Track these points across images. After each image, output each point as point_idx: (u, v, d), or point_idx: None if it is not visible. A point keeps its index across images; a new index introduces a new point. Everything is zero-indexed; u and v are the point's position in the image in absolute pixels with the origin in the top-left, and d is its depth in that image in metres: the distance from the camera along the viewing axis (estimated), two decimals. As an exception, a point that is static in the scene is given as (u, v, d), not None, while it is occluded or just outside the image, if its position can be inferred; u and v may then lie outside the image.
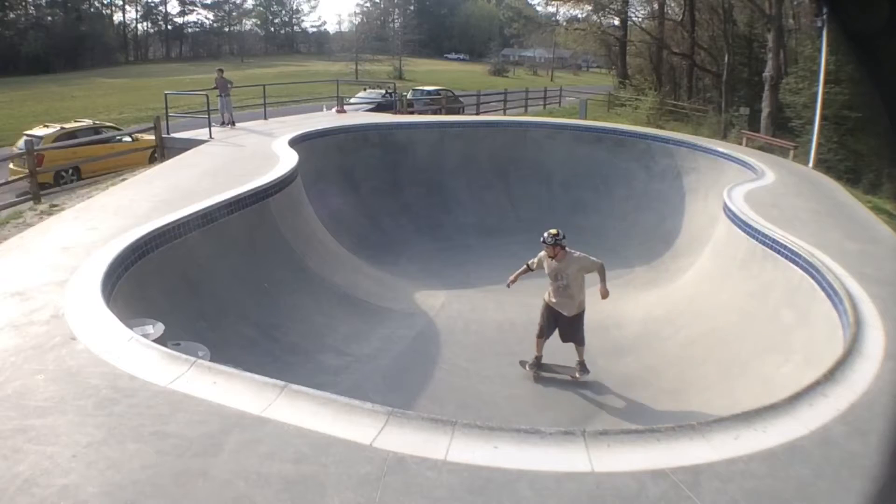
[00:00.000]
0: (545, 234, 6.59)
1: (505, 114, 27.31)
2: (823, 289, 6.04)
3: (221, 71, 15.20)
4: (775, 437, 3.55)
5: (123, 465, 3.04)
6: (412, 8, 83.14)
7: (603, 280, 6.55)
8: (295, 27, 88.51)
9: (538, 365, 7.04)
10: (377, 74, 54.79)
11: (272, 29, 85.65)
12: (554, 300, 6.75)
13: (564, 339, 6.90)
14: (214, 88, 14.73)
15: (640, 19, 37.59)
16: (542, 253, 6.75)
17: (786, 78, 23.85)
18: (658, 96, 30.25)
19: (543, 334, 6.91)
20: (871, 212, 9.83)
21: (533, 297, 9.87)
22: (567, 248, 6.62)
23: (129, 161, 13.55)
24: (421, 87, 31.82)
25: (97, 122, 16.87)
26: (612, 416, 6.31)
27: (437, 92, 28.61)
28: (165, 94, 15.46)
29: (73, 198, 9.44)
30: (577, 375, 6.92)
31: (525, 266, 7.01)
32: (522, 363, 7.16)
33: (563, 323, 6.80)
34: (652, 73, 34.98)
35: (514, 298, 9.79)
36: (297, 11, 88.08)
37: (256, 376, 3.91)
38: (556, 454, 3.33)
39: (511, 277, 7.10)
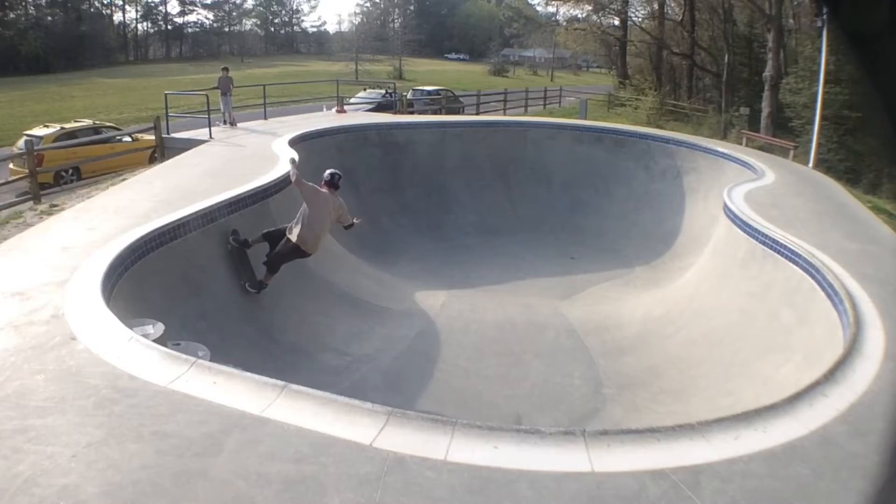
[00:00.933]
0: (333, 172, 7.66)
1: (505, 114, 27.31)
2: (823, 289, 6.04)
3: (226, 70, 15.19)
4: (775, 437, 3.55)
5: (123, 465, 3.04)
6: (412, 8, 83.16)
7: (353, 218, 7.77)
8: (295, 27, 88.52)
9: (242, 246, 7.55)
10: (377, 74, 54.80)
11: (272, 29, 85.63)
12: (318, 236, 7.49)
13: (269, 259, 7.51)
14: (215, 88, 14.70)
15: (640, 19, 37.62)
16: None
17: (786, 78, 23.85)
18: (658, 96, 30.25)
19: (268, 238, 7.60)
20: (871, 212, 9.83)
21: (533, 297, 9.90)
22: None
23: (129, 161, 13.55)
24: (421, 87, 31.82)
25: (97, 122, 16.86)
26: (612, 416, 6.31)
27: (437, 92, 28.62)
28: (165, 94, 15.45)
29: (73, 198, 9.44)
30: (247, 286, 7.41)
31: (298, 176, 7.60)
32: (235, 232, 7.57)
33: (289, 248, 7.45)
34: (652, 73, 34.97)
35: (514, 298, 9.80)
36: (297, 11, 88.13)
37: (256, 376, 3.91)
38: (556, 454, 3.32)
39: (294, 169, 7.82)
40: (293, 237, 7.31)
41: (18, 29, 51.77)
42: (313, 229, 7.32)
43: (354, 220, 7.90)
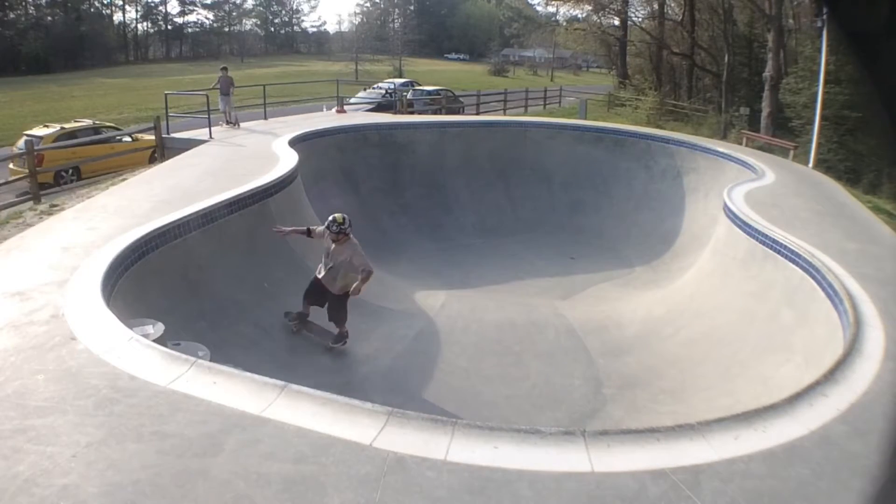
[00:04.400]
0: (330, 220, 6.85)
1: (505, 114, 27.32)
2: (823, 289, 6.04)
3: (226, 69, 15.18)
4: (775, 437, 3.55)
5: (123, 465, 3.04)
6: (412, 8, 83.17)
7: (362, 281, 6.71)
8: (295, 27, 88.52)
9: (301, 320, 7.33)
10: (377, 74, 54.76)
11: (272, 29, 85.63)
12: (321, 275, 7.10)
13: (329, 315, 7.22)
14: (215, 87, 14.68)
15: (640, 19, 37.62)
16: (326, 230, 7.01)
17: (786, 78, 23.85)
18: (658, 96, 30.26)
19: (308, 296, 7.26)
20: (871, 212, 9.83)
21: (533, 297, 9.90)
22: (351, 237, 6.94)
23: (129, 161, 13.54)
24: (421, 87, 31.83)
25: (97, 122, 16.87)
26: (612, 416, 6.30)
27: (437, 92, 28.63)
28: (165, 94, 15.45)
29: (73, 198, 9.44)
30: (331, 344, 7.21)
31: (306, 229, 7.28)
32: (287, 314, 7.40)
33: (330, 298, 7.12)
34: (652, 73, 34.98)
35: (514, 298, 9.80)
36: (297, 11, 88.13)
37: (256, 376, 3.91)
38: (556, 454, 3.32)
39: (286, 229, 7.33)
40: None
41: (18, 29, 51.83)
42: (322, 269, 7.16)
43: (359, 282, 6.74)
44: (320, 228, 7.10)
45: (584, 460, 3.28)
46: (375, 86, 25.71)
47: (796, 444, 3.50)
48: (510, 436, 3.46)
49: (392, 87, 25.48)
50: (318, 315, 7.34)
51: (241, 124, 14.84)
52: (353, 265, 6.82)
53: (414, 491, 2.99)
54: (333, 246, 6.92)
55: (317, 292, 7.18)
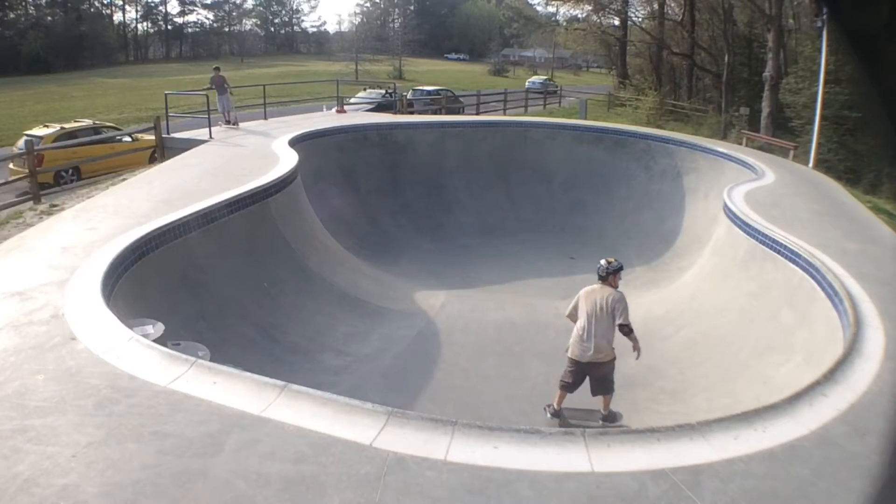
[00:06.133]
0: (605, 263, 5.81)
1: (505, 114, 27.32)
2: (823, 289, 6.04)
3: (218, 69, 15.15)
4: (775, 437, 3.55)
5: (123, 465, 3.04)
6: (412, 8, 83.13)
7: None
8: (295, 27, 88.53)
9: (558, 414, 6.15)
10: (377, 74, 54.81)
11: (272, 29, 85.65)
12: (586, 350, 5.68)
13: (594, 391, 5.91)
14: (210, 88, 14.67)
15: (640, 19, 37.62)
16: (582, 291, 5.88)
17: (786, 78, 23.84)
18: (658, 96, 30.26)
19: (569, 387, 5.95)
20: (871, 212, 9.83)
21: (533, 297, 9.90)
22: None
23: (129, 161, 13.54)
24: (421, 87, 31.83)
25: (97, 122, 16.87)
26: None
27: (437, 92, 28.62)
28: (165, 94, 15.44)
29: (73, 198, 9.44)
30: (602, 422, 6.02)
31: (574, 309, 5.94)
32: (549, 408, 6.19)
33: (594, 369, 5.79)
34: (652, 73, 34.98)
35: (514, 298, 9.80)
36: (297, 11, 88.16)
37: (256, 376, 3.91)
38: (556, 454, 3.32)
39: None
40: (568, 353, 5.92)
41: (18, 29, 51.85)
42: (578, 337, 5.79)
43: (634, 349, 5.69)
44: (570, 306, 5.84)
45: (584, 460, 3.28)
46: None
47: (796, 444, 3.50)
48: (510, 436, 3.45)
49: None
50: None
51: (242, 124, 14.83)
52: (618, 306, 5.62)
53: (414, 491, 2.99)
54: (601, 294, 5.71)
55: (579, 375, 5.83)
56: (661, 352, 7.57)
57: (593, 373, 5.75)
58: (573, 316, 5.90)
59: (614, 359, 5.75)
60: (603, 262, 5.86)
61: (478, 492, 3.02)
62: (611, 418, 5.99)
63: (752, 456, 3.37)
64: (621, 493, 3.05)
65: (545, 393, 6.84)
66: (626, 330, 5.55)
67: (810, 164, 15.34)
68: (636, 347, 5.60)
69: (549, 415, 6.10)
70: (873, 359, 4.50)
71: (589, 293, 5.79)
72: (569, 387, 5.90)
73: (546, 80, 43.67)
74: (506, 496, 3.00)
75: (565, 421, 6.05)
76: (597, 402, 6.02)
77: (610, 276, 5.80)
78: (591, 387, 5.86)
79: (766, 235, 7.58)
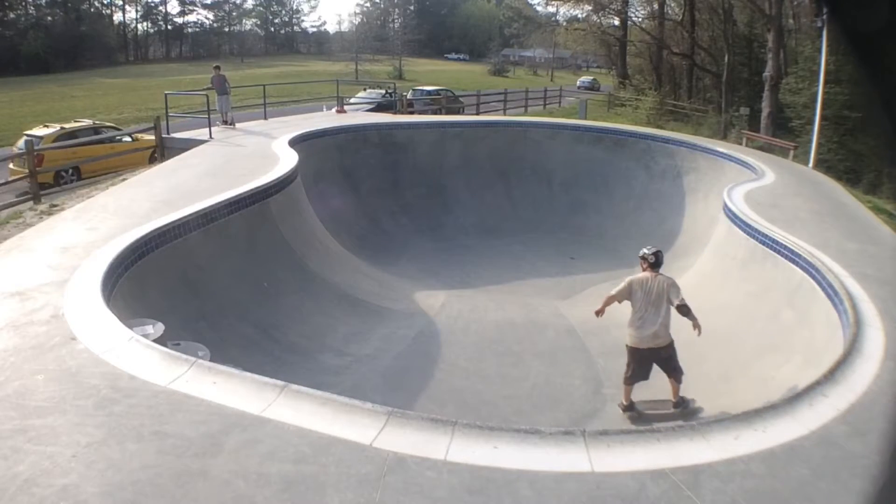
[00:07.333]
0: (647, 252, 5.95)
1: (505, 114, 27.32)
2: (823, 289, 6.03)
3: (218, 68, 15.13)
4: (775, 437, 3.55)
5: (123, 465, 3.04)
6: (412, 8, 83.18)
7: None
8: (295, 27, 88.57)
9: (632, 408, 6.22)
10: (377, 74, 54.80)
11: (272, 29, 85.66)
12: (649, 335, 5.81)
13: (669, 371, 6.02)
14: (210, 88, 14.65)
15: (640, 19, 37.65)
16: (632, 279, 5.93)
17: (786, 78, 23.85)
18: (658, 96, 30.28)
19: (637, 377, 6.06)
20: (871, 212, 9.83)
21: (533, 297, 9.90)
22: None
23: (129, 161, 13.54)
24: (421, 87, 31.83)
25: (97, 122, 16.87)
26: (612, 416, 6.30)
27: (437, 92, 28.62)
28: (165, 94, 15.44)
29: (73, 198, 9.44)
30: (674, 408, 6.09)
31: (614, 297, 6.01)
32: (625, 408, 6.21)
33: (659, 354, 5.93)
34: (652, 73, 35.02)
35: (514, 298, 9.80)
36: (297, 11, 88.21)
37: (256, 376, 3.91)
38: (556, 454, 3.32)
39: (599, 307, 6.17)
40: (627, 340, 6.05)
41: (18, 29, 51.84)
42: (635, 325, 5.92)
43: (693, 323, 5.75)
44: (627, 281, 5.94)
45: (584, 460, 3.28)
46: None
47: (796, 444, 3.50)
48: (510, 436, 3.45)
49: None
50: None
51: (242, 124, 14.83)
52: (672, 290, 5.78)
53: (414, 491, 2.99)
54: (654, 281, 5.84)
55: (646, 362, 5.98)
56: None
57: (656, 358, 5.92)
58: (619, 297, 5.99)
59: (672, 342, 5.89)
60: (648, 250, 6.02)
61: (478, 492, 3.02)
62: (682, 404, 6.05)
63: (752, 456, 3.37)
64: (621, 493, 3.05)
65: (545, 393, 6.85)
66: (685, 310, 5.70)
67: (810, 164, 15.33)
68: (696, 325, 5.71)
69: (622, 411, 6.18)
70: (873, 359, 4.50)
71: (643, 281, 5.91)
72: (632, 379, 6.03)
73: (592, 79, 51.82)
74: (506, 496, 3.00)
75: (641, 414, 6.13)
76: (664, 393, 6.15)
77: (661, 263, 6.00)
78: (663, 370, 6.00)
79: (766, 235, 7.58)
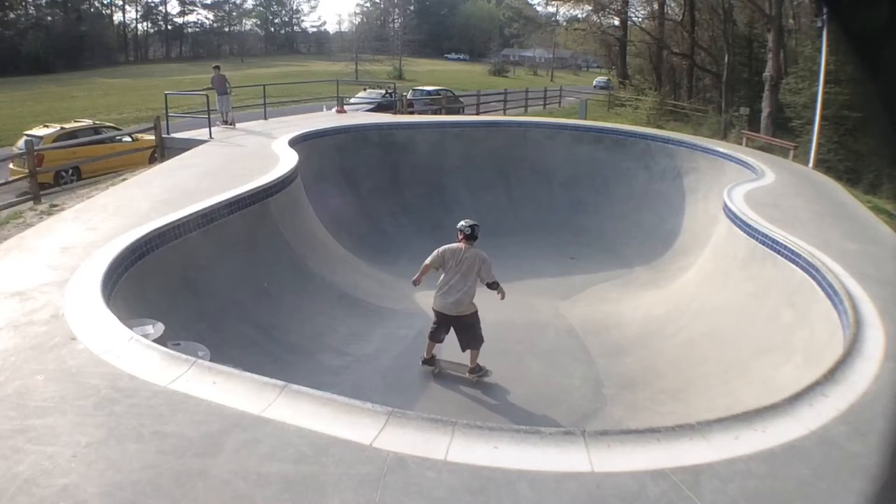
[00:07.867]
0: (464, 224, 6.38)
1: (505, 114, 27.33)
2: (823, 289, 6.03)
3: (218, 68, 15.12)
4: (775, 437, 3.55)
5: (123, 465, 3.04)
6: (412, 8, 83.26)
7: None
8: (295, 27, 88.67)
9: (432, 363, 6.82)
10: (377, 74, 54.82)
11: (272, 29, 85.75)
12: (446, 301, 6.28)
13: (463, 344, 6.48)
14: (210, 88, 14.65)
15: (640, 19, 37.70)
16: (445, 248, 6.36)
17: (786, 78, 23.86)
18: (658, 96, 30.29)
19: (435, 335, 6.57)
20: (871, 212, 9.82)
21: (533, 297, 9.89)
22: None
23: (129, 161, 13.56)
24: (421, 87, 31.84)
25: (97, 122, 16.88)
26: (612, 416, 6.30)
27: (437, 92, 28.63)
28: (165, 95, 15.45)
29: (73, 198, 9.45)
30: (470, 376, 6.59)
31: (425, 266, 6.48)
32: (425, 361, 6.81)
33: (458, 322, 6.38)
34: (652, 73, 35.03)
35: (514, 298, 9.77)
36: (297, 11, 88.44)
37: (256, 376, 3.91)
38: (556, 454, 3.32)
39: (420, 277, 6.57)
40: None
41: (18, 29, 51.89)
42: (441, 290, 6.36)
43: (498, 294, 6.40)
44: (439, 251, 6.34)
45: (584, 460, 3.27)
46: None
47: (796, 444, 3.50)
48: (510, 436, 3.45)
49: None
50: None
51: (242, 124, 14.84)
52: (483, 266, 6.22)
53: (414, 491, 2.99)
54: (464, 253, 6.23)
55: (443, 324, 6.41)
56: (660, 352, 7.57)
57: (457, 325, 6.38)
58: (433, 265, 6.38)
59: (476, 311, 6.35)
60: (465, 222, 6.41)
61: (478, 492, 3.02)
62: (477, 371, 6.60)
63: (752, 456, 3.37)
64: (621, 493, 3.05)
65: (545, 393, 6.84)
66: (495, 286, 6.26)
67: (810, 164, 15.34)
68: (501, 293, 6.32)
69: (421, 364, 6.79)
70: (873, 359, 4.50)
71: (455, 251, 6.32)
72: (433, 336, 6.58)
73: (607, 79, 50.89)
74: (506, 496, 3.00)
75: (441, 370, 6.76)
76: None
77: (476, 237, 6.39)
78: (458, 340, 6.47)
79: (766, 235, 7.57)
